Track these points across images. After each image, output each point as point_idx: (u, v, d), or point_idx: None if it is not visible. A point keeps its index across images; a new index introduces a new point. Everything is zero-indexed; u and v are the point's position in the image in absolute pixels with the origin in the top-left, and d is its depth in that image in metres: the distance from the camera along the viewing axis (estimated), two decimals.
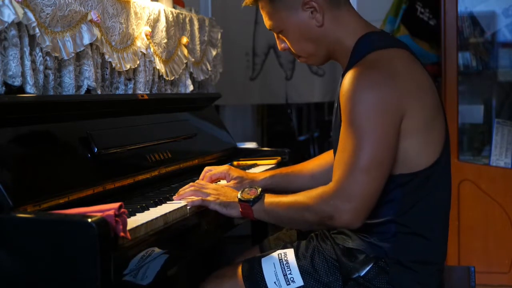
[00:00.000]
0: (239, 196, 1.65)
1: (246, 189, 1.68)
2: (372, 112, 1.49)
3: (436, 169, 1.58)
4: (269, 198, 1.63)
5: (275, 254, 1.68)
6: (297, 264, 1.64)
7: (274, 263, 1.65)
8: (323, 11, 1.62)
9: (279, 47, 1.74)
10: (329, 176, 1.58)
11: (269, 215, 1.63)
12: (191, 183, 1.74)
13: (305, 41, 1.66)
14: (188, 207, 1.62)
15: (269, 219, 1.65)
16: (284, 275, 1.63)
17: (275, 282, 1.62)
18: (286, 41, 1.70)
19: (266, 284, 1.63)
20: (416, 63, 1.61)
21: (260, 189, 1.66)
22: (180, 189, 1.71)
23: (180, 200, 1.67)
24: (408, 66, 1.57)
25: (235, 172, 1.90)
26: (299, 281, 1.62)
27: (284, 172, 1.98)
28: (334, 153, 1.65)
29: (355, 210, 1.48)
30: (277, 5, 1.65)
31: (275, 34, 1.73)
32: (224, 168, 1.91)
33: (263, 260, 1.67)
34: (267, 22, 1.70)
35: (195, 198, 1.67)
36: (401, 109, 1.50)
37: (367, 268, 1.58)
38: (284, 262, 1.65)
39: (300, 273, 1.62)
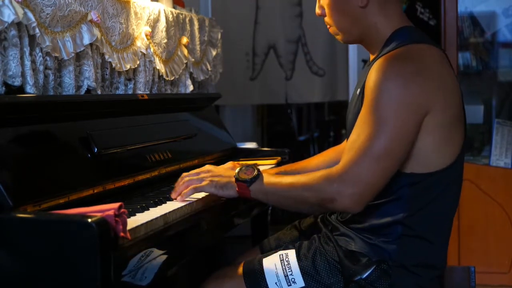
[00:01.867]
0: (235, 175, 1.63)
1: (243, 168, 1.65)
2: (395, 104, 1.48)
3: (450, 172, 1.57)
4: (268, 178, 1.61)
5: (276, 254, 1.68)
6: (299, 265, 1.63)
7: (275, 264, 1.65)
8: None
9: (316, 11, 1.72)
10: None
11: (268, 196, 1.61)
12: (182, 174, 1.70)
13: (343, 15, 1.66)
14: (177, 199, 1.60)
15: (267, 199, 1.64)
16: (285, 276, 1.62)
17: (276, 283, 1.62)
18: (325, 8, 1.68)
19: (267, 285, 1.62)
20: (446, 62, 1.60)
21: (257, 169, 1.64)
22: (175, 184, 1.69)
23: (177, 197, 1.65)
24: (439, 64, 1.57)
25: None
26: (300, 282, 1.61)
27: (288, 169, 1.97)
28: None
29: (358, 195, 1.48)
30: None
31: None
32: (228, 165, 1.90)
33: (264, 260, 1.67)
34: None
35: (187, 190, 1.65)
36: (425, 106, 1.50)
37: (369, 271, 1.57)
38: (286, 263, 1.64)
39: (301, 274, 1.62)
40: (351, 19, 1.65)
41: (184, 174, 1.71)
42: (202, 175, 1.67)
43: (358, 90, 1.65)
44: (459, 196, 1.66)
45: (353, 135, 1.54)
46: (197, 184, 1.65)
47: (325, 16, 1.70)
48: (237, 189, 1.63)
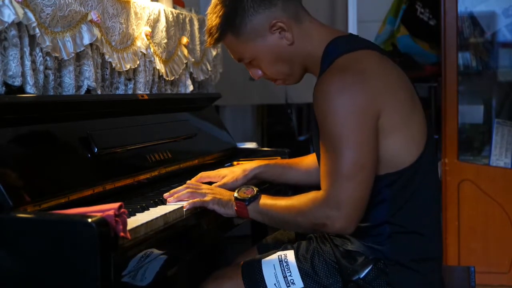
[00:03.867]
0: (235, 194, 1.65)
1: (243, 188, 1.68)
2: (346, 117, 1.48)
3: (421, 164, 1.57)
4: (265, 200, 1.63)
5: (275, 255, 1.68)
6: (297, 265, 1.64)
7: (274, 265, 1.65)
8: (291, 29, 1.61)
9: (253, 76, 1.72)
10: None
11: (263, 216, 1.63)
12: (185, 185, 1.73)
13: (279, 63, 1.65)
14: (184, 210, 1.61)
15: (263, 220, 1.65)
16: (284, 277, 1.63)
17: (275, 284, 1.62)
18: (260, 68, 1.69)
19: (266, 286, 1.63)
20: (386, 61, 1.60)
21: (256, 189, 1.66)
22: (172, 191, 1.70)
23: (176, 202, 1.66)
24: (377, 65, 1.56)
25: (225, 170, 1.93)
26: (299, 283, 1.62)
27: (279, 162, 1.99)
28: (318, 160, 1.64)
29: (347, 216, 1.48)
30: (243, 38, 1.64)
31: (245, 65, 1.72)
32: (214, 174, 1.93)
33: (263, 261, 1.67)
34: (235, 55, 1.69)
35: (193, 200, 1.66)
36: (375, 108, 1.50)
37: (367, 270, 1.58)
38: (284, 264, 1.65)
39: (300, 275, 1.62)
40: (287, 60, 1.65)
41: (188, 182, 1.73)
42: (204, 191, 1.69)
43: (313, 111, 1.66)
44: (438, 184, 1.67)
45: (322, 160, 1.54)
46: (201, 198, 1.66)
47: (265, 75, 1.70)
48: (235, 208, 1.65)
